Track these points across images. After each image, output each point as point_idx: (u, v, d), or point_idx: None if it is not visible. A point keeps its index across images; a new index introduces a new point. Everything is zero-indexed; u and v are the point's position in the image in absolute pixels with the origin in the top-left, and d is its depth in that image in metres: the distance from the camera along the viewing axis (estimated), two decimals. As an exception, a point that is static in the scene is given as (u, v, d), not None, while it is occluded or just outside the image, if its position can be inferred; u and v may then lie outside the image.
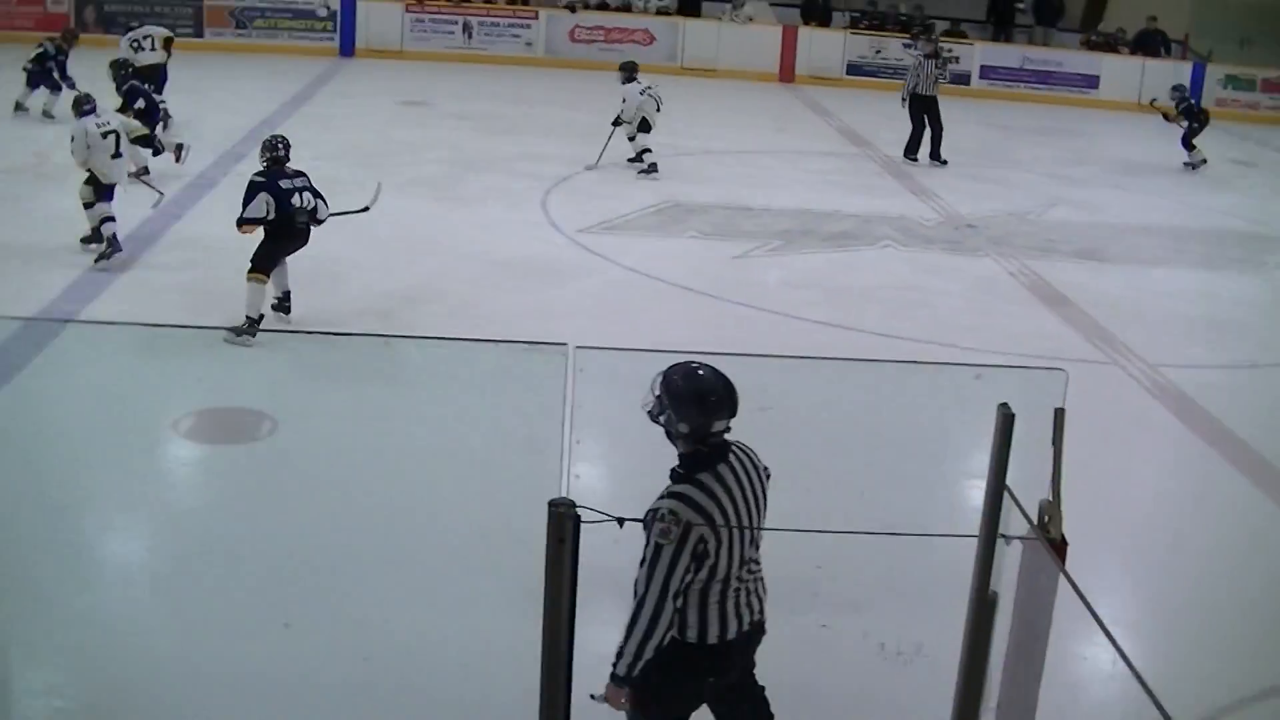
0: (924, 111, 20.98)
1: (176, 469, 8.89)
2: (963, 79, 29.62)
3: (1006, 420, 4.47)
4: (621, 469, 7.78)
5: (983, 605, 4.64)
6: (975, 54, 30.10)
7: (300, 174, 11.36)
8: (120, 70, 17.33)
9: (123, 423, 9.02)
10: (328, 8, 29.18)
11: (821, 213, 16.36)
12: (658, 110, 18.86)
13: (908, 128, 20.95)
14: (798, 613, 6.66)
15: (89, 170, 12.72)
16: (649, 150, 18.73)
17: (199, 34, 28.63)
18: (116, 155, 12.78)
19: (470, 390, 7.87)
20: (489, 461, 7.99)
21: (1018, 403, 4.47)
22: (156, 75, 19.14)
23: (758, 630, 5.12)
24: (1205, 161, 22.24)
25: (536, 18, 29.59)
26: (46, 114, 19.66)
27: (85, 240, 12.89)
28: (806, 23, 30.40)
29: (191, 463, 8.92)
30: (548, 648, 4.21)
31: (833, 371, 8.18)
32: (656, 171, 18.39)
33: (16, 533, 7.30)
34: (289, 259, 11.21)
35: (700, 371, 4.88)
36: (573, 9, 29.58)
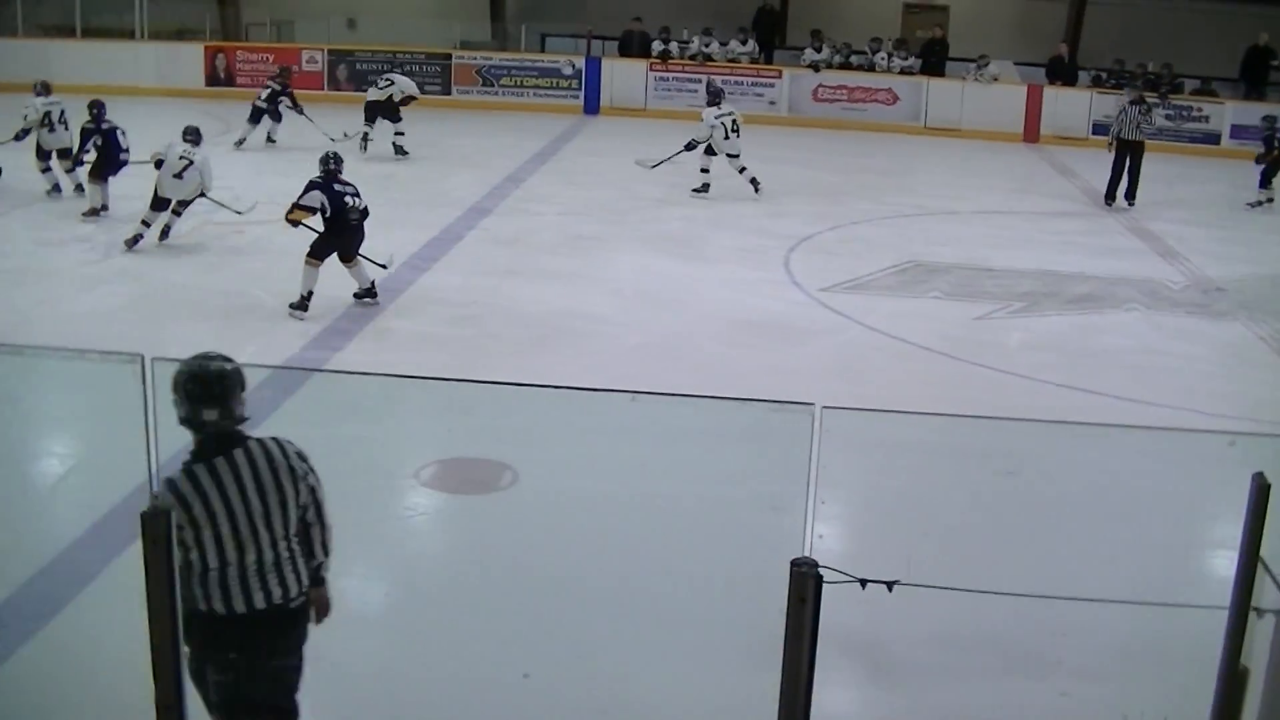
0: (1127, 155, 21.43)
1: (417, 516, 9.06)
2: (1213, 138, 29.03)
3: (1262, 490, 4.38)
4: (865, 530, 7.76)
5: (1232, 680, 4.55)
6: (1226, 112, 29.39)
7: (350, 184, 13.34)
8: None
9: (366, 470, 9.21)
10: (573, 66, 29.64)
11: (1065, 274, 16.11)
12: (725, 137, 20.32)
13: (1154, 186, 20.78)
14: (1039, 679, 6.58)
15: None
16: (706, 170, 20.55)
17: (447, 91, 29.34)
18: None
19: (715, 447, 7.90)
20: (732, 519, 8.01)
21: (1273, 472, 4.38)
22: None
23: (280, 613, 5.47)
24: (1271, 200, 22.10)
25: (780, 77, 29.74)
26: (270, 140, 22.96)
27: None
28: (1052, 82, 30.03)
29: (432, 511, 9.08)
30: (785, 706, 4.23)
31: (1078, 436, 8.06)
32: (706, 192, 20.36)
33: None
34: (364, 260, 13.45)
35: (194, 364, 5.30)
36: (816, 68, 29.63)
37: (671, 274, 15.21)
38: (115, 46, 30.85)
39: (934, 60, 30.33)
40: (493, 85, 29.92)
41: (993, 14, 34.34)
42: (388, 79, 23.70)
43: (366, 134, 22.70)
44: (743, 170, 20.50)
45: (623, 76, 29.70)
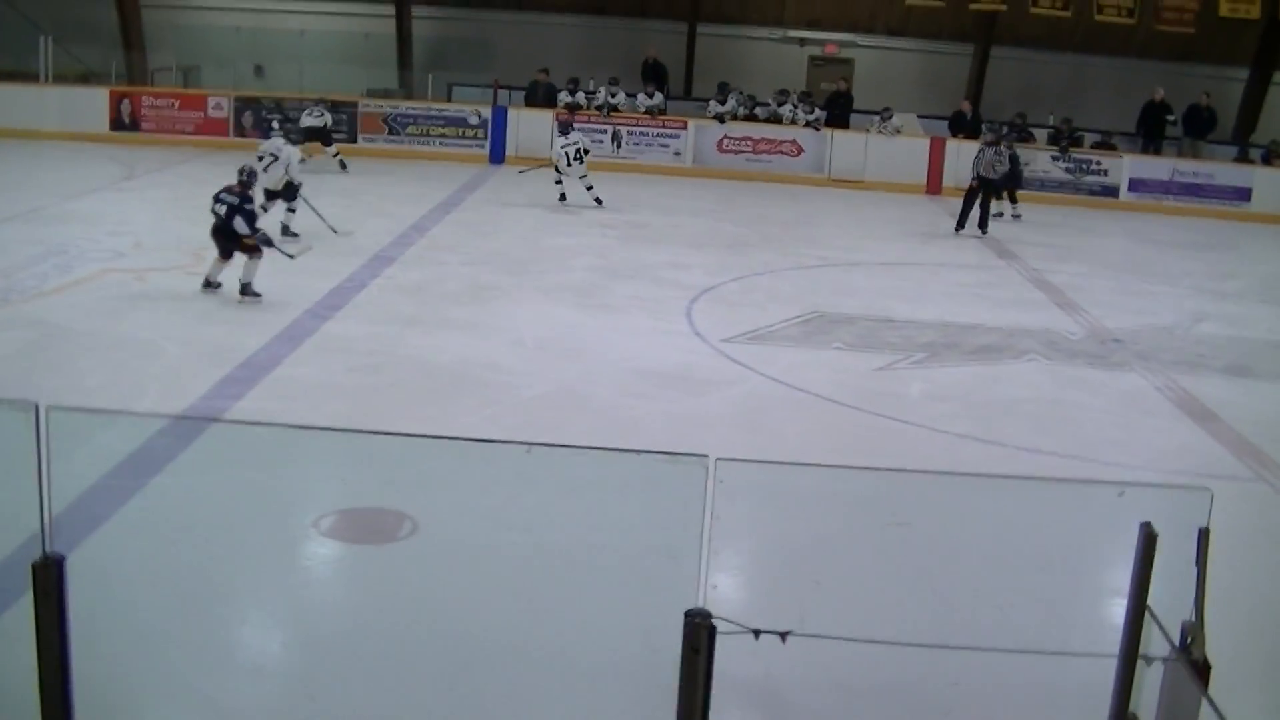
0: (981, 191, 24.05)
1: (315, 566, 9.02)
2: (1112, 191, 29.49)
3: (1149, 539, 4.46)
4: (759, 580, 7.79)
5: (1121, 727, 4.61)
6: (1124, 166, 29.91)
7: (231, 195, 15.13)
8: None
9: (264, 519, 9.16)
10: (479, 115, 29.71)
11: (966, 325, 16.29)
12: (569, 164, 24.19)
13: (1054, 239, 21.70)
14: (933, 729, 6.62)
15: None
16: (560, 182, 24.29)
17: (353, 139, 29.36)
18: None
19: (611, 498, 7.91)
20: (628, 569, 8.02)
21: (1161, 521, 4.46)
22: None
23: None
24: None
25: (685, 128, 29.90)
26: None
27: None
28: (954, 135, 30.40)
29: (331, 560, 9.05)
30: (680, 757, 4.25)
31: (973, 487, 8.15)
32: (564, 201, 24.18)
33: (151, 620, 7.46)
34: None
35: None
36: (721, 119, 29.83)
37: (573, 324, 15.23)
38: (18, 89, 30.62)
39: (838, 112, 30.61)
40: (399, 134, 29.92)
41: (896, 67, 34.80)
42: (319, 109, 27.72)
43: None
44: (589, 189, 24.22)
45: (528, 126, 29.77)
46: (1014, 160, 25.91)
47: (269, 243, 15.42)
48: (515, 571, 8.32)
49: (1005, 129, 28.14)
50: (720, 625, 4.49)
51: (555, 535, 8.57)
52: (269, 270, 15.12)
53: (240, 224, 15.02)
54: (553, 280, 17.32)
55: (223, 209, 15.10)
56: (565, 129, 25.13)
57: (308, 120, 27.57)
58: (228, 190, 15.24)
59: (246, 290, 15.20)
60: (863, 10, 34.97)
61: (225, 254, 15.38)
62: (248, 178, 15.52)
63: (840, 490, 6.91)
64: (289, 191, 19.37)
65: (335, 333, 14.19)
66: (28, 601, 4.81)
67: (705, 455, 4.54)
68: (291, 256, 15.84)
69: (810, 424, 12.27)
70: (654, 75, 31.52)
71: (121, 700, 6.52)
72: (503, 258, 18.76)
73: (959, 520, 7.80)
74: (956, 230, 24.05)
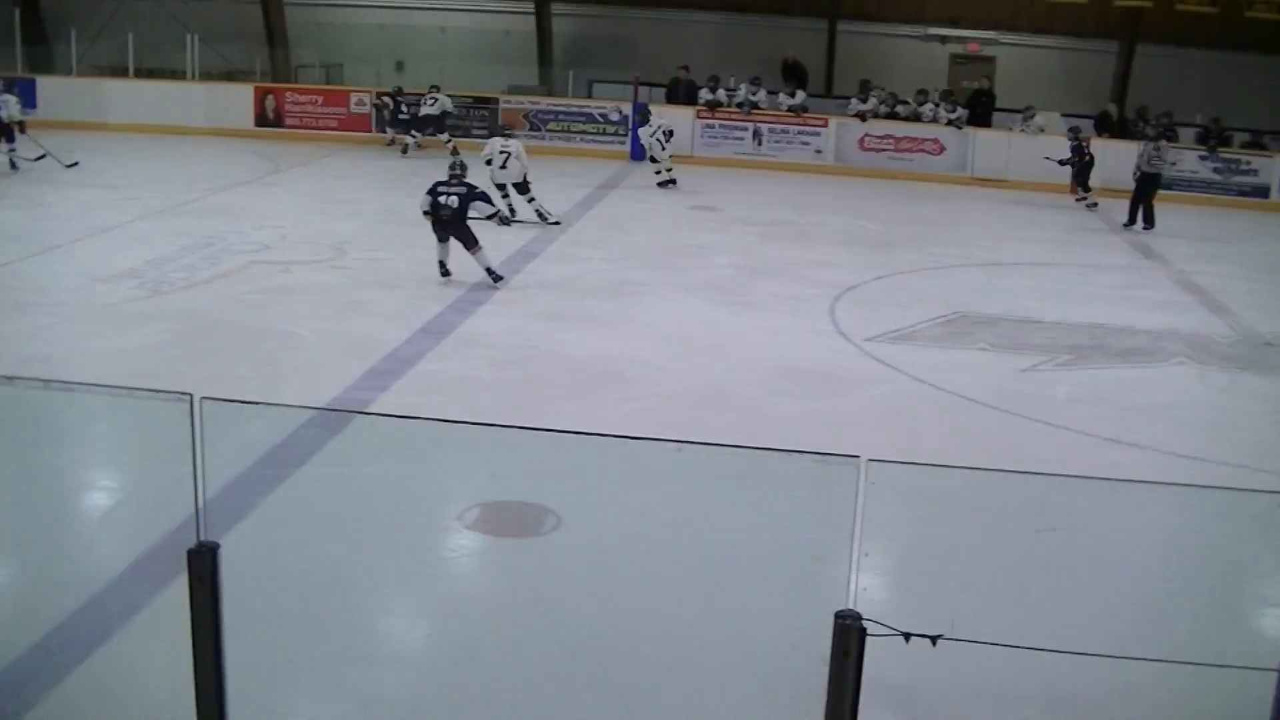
0: (1144, 186, 24.54)
1: (459, 558, 9.07)
2: (1262, 191, 28.92)
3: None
4: (909, 583, 7.71)
5: (1281, 740, 4.51)
6: (1275, 166, 29.24)
7: (458, 185, 16.12)
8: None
9: (408, 511, 9.23)
10: (620, 112, 29.75)
11: (1112, 327, 16.03)
12: (662, 147, 25.69)
13: (1202, 240, 21.73)
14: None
15: None
16: (660, 171, 25.78)
17: (493, 135, 29.45)
18: None
19: (757, 497, 7.88)
20: (774, 569, 7.98)
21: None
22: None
23: None
24: None
25: (826, 125, 29.75)
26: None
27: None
28: (1100, 134, 29.95)
29: (475, 553, 9.09)
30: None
31: (1125, 492, 8.02)
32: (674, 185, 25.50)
33: (296, 608, 7.54)
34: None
35: None
36: (863, 118, 29.64)
37: (716, 320, 15.21)
38: (167, 87, 31.21)
39: (980, 111, 30.28)
40: (540, 130, 30.05)
41: (1039, 65, 34.33)
42: (433, 96, 29.22)
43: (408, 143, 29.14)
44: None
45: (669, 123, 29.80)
46: (1077, 151, 26.35)
47: (508, 221, 17.78)
48: (658, 569, 8.30)
49: (1145, 126, 28.11)
50: (870, 627, 4.44)
51: (700, 533, 8.55)
52: (411, 264, 15.21)
53: (481, 206, 16.11)
54: (695, 277, 17.31)
55: (454, 199, 15.92)
56: (644, 118, 26.48)
57: (426, 109, 29.25)
58: (447, 183, 16.12)
59: (494, 274, 16.30)
60: (1005, 7, 34.56)
61: (445, 239, 16.23)
62: (461, 170, 16.44)
63: (988, 493, 6.82)
64: (524, 185, 20.94)
65: (478, 327, 14.28)
66: (178, 586, 4.87)
67: (857, 456, 4.49)
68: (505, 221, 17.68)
69: (953, 425, 12.14)
70: (793, 75, 31.37)
71: (267, 686, 6.59)
72: (644, 254, 18.79)
73: (1110, 526, 7.68)
74: (1126, 226, 24.39)
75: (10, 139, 24.07)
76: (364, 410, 11.22)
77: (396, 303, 14.95)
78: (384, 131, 30.26)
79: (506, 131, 22.49)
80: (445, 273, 16.37)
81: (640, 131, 26.43)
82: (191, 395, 4.64)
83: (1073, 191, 26.97)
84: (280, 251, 17.47)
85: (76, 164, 24.49)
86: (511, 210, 20.06)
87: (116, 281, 15.56)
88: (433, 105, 29.20)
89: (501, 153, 20.90)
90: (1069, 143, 26.34)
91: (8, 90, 24.58)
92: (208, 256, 17.07)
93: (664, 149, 25.77)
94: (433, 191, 16.06)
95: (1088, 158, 26.31)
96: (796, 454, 4.84)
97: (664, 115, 26.90)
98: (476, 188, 16.34)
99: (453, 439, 9.01)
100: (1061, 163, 26.38)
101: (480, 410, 11.26)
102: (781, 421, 11.75)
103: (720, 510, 8.25)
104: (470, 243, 16.14)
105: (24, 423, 8.51)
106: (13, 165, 24.02)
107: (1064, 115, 30.62)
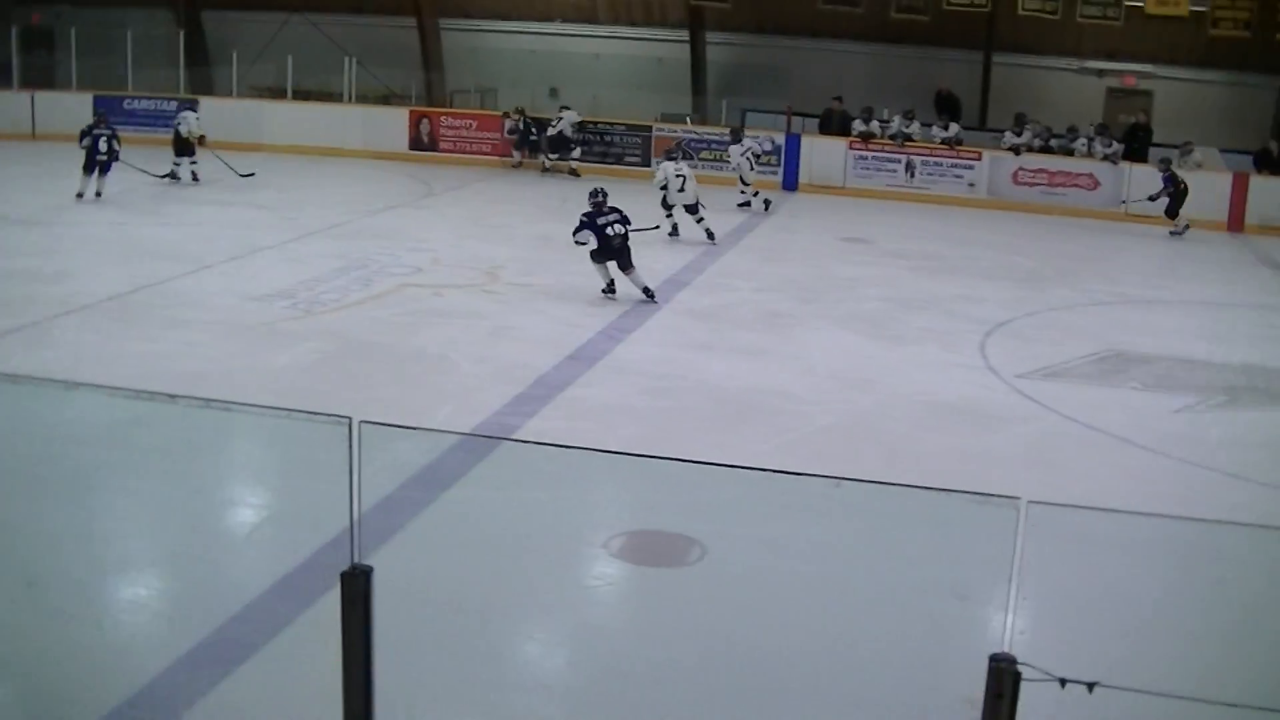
0: None
1: (603, 586, 9.07)
2: None
3: None
4: (1068, 629, 7.59)
5: None
6: None
7: (615, 211, 16.90)
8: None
9: (554, 537, 9.26)
10: (773, 142, 29.72)
11: (1272, 369, 15.68)
12: (752, 167, 26.19)
13: None
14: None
15: None
16: (743, 191, 26.04)
17: (646, 163, 29.59)
18: None
19: (907, 534, 7.82)
20: (926, 609, 7.92)
21: None
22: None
23: None
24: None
25: (980, 159, 29.51)
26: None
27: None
28: (1259, 170, 29.39)
29: (619, 581, 9.09)
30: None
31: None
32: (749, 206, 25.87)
33: (441, 630, 7.58)
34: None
35: None
36: (1017, 151, 29.37)
37: (865, 354, 15.12)
38: (324, 109, 31.70)
39: (1136, 145, 29.86)
40: (692, 158, 30.09)
41: (1198, 99, 33.74)
42: (561, 111, 30.10)
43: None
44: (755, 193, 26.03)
45: (822, 154, 29.71)
46: (1169, 182, 26.49)
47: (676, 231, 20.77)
48: (804, 604, 8.26)
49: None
50: (1025, 671, 4.37)
51: (847, 569, 8.50)
52: (562, 289, 15.25)
53: (632, 230, 17.00)
54: (844, 309, 17.24)
55: (620, 227, 16.76)
56: (737, 137, 26.99)
57: (552, 130, 29.95)
58: (601, 214, 16.86)
59: (649, 293, 16.81)
60: (1163, 41, 34.01)
61: (626, 266, 16.84)
62: (604, 197, 17.15)
63: (1145, 537, 6.71)
64: (695, 206, 21.98)
65: (628, 355, 14.31)
66: (323, 604, 4.91)
67: (1017, 497, 4.42)
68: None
69: (1105, 465, 11.96)
70: (947, 107, 31.18)
71: (411, 708, 6.63)
72: (794, 285, 18.74)
73: (1274, 575, 7.53)
74: None
75: (191, 154, 25.64)
76: (511, 436, 11.27)
77: (547, 328, 15.02)
78: (510, 154, 30.81)
79: (673, 155, 23.23)
80: (611, 290, 16.89)
81: (731, 149, 26.78)
82: (350, 418, 4.68)
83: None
84: (432, 274, 17.64)
85: (252, 174, 25.97)
86: (675, 230, 21.97)
87: (269, 301, 15.79)
88: (556, 126, 29.93)
89: (678, 176, 21.99)
90: (1160, 174, 26.61)
91: (188, 108, 26.60)
92: (360, 278, 17.28)
93: (752, 169, 26.28)
94: (592, 225, 16.64)
95: (1182, 187, 26.49)
96: (955, 493, 4.79)
97: (759, 136, 27.73)
98: (622, 211, 17.04)
99: (599, 466, 9.06)
100: (1153, 198, 26.56)
101: (628, 439, 11.28)
102: (929, 458, 11.63)
103: (870, 547, 8.21)
104: (629, 265, 16.69)
105: (181, 439, 8.67)
106: (194, 178, 25.57)
107: (1223, 151, 30.14)
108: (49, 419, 9.56)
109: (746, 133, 27.67)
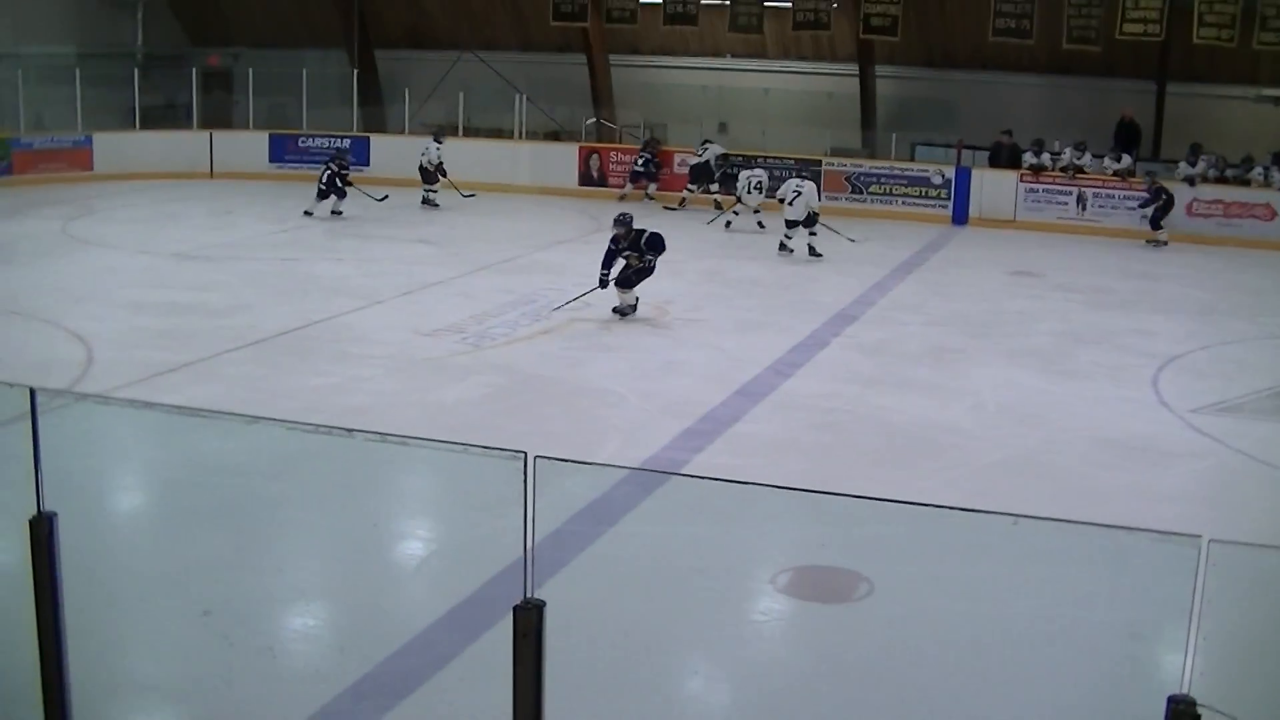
0: None
1: (770, 621, 9.05)
2: None
3: None
4: (1247, 671, 7.44)
5: None
6: None
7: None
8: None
9: (721, 571, 9.27)
10: (943, 175, 29.54)
11: None
12: (749, 190, 26.49)
13: None
14: None
15: None
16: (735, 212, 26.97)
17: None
18: None
19: (1082, 572, 7.73)
20: (1102, 650, 7.81)
21: None
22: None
23: None
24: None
25: (1154, 190, 29.05)
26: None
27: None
28: None
29: (785, 617, 9.07)
30: None
31: None
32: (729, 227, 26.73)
33: (608, 664, 7.62)
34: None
35: None
36: (1191, 182, 28.88)
37: (1035, 388, 14.95)
38: (496, 145, 32.09)
39: (1315, 176, 29.23)
40: (862, 193, 30.00)
41: (1381, 127, 33.00)
42: (704, 144, 30.08)
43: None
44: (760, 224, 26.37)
45: (992, 187, 29.42)
46: (1156, 193, 27.44)
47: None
48: (974, 643, 8.18)
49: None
50: (1204, 715, 4.30)
51: (1020, 607, 8.41)
52: (731, 325, 15.18)
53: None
54: (1015, 344, 17.06)
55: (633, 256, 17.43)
56: (748, 164, 28.36)
57: (697, 160, 29.93)
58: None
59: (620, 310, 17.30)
60: (1345, 67, 33.32)
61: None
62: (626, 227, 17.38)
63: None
64: (811, 219, 23.01)
65: (795, 390, 14.29)
66: (491, 637, 4.94)
67: (1198, 536, 4.35)
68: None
69: (1282, 503, 11.74)
70: (1127, 135, 30.67)
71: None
72: (964, 319, 18.59)
73: None
74: None
75: (432, 181, 28.24)
76: (679, 471, 11.30)
77: (715, 363, 15.04)
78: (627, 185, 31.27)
79: (804, 173, 24.78)
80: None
81: (741, 173, 27.45)
82: (525, 453, 4.72)
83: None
84: (601, 309, 17.74)
85: (473, 194, 28.29)
86: (784, 244, 23.26)
87: (439, 336, 16.00)
88: (701, 155, 29.89)
89: (795, 191, 23.02)
90: (1145, 189, 27.79)
91: (435, 139, 28.46)
92: (529, 313, 17.44)
93: (749, 192, 26.54)
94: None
95: (1164, 198, 27.30)
96: (1133, 531, 4.71)
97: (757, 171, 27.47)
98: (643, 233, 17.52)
99: (766, 501, 9.04)
100: (1142, 205, 27.63)
101: (795, 473, 11.25)
102: (1101, 494, 11.47)
103: (1043, 585, 8.12)
104: (620, 282, 17.43)
105: (355, 472, 8.80)
106: (433, 204, 28.21)
107: None
108: (226, 452, 9.77)
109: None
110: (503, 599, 5.07)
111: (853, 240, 24.01)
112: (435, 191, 28.26)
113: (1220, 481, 12.24)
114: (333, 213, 25.99)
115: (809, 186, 23.28)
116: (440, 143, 28.49)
